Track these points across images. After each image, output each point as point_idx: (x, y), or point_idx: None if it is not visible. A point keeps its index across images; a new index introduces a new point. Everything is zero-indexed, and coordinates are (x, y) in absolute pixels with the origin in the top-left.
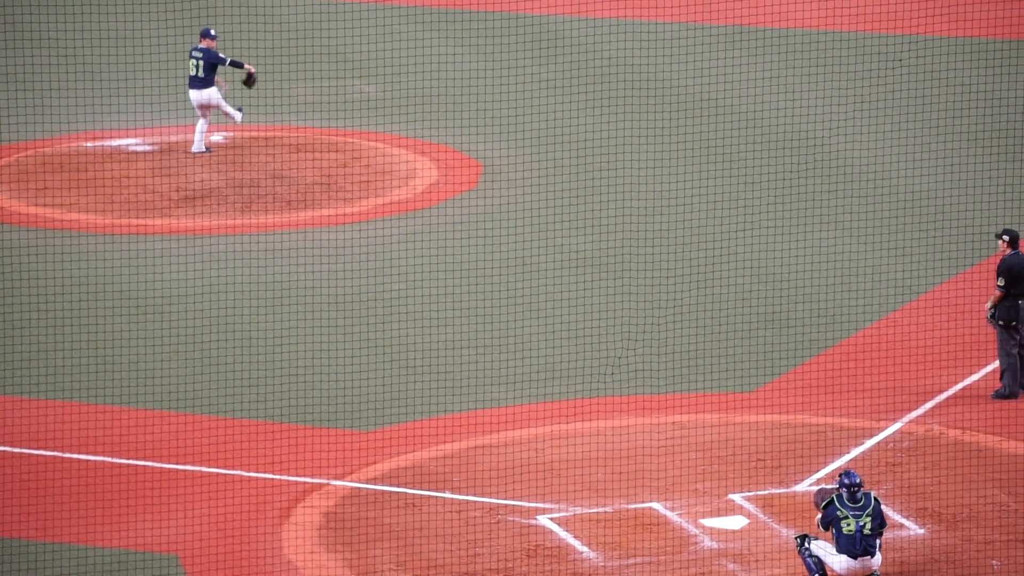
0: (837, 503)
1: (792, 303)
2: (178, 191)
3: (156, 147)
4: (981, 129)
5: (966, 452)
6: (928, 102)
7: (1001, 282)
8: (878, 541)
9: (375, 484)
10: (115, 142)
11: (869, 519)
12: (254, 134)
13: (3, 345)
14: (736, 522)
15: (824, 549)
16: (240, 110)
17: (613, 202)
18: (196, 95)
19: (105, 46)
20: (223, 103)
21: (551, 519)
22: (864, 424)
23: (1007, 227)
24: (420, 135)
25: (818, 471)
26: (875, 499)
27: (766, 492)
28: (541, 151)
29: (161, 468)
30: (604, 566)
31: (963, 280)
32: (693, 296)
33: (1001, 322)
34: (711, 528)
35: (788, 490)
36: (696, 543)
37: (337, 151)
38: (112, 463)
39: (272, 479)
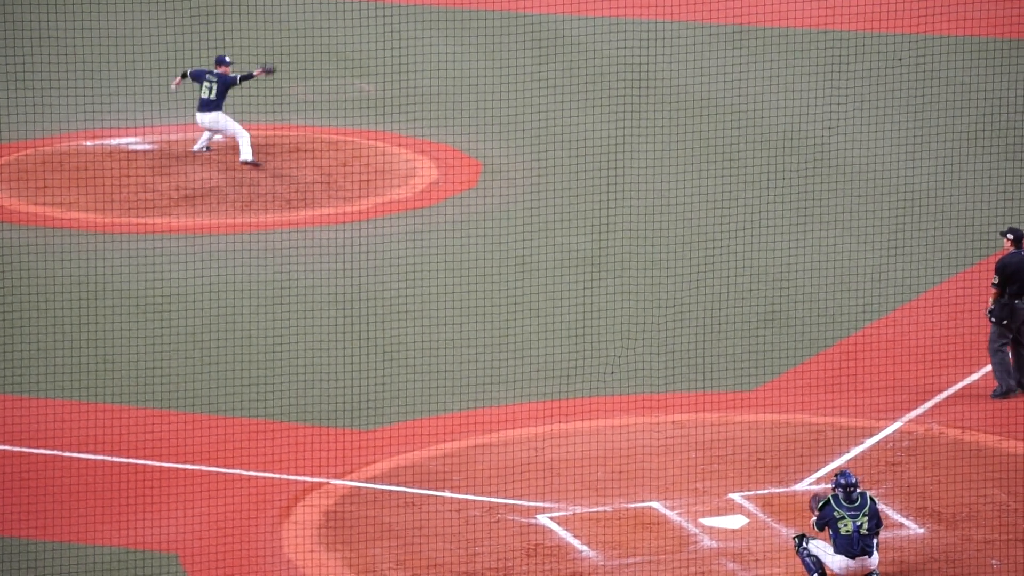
0: (833, 504)
1: (792, 302)
2: (178, 190)
3: (156, 146)
4: (981, 128)
5: (966, 451)
6: (927, 101)
7: (995, 280)
8: (875, 541)
9: (375, 483)
10: (115, 141)
11: (866, 519)
12: (254, 133)
13: (3, 344)
14: (736, 521)
15: (822, 549)
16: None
17: (613, 201)
18: (206, 117)
19: (105, 45)
20: (230, 124)
21: (551, 518)
22: (864, 423)
23: (1012, 225)
24: (420, 134)
25: (818, 470)
26: (871, 499)
27: (766, 491)
28: (541, 150)
29: (161, 467)
30: (604, 565)
31: (963, 279)
32: (692, 295)
33: (994, 319)
34: (711, 527)
35: (788, 489)
36: (696, 542)
37: (337, 150)
38: (112, 462)
39: (272, 478)
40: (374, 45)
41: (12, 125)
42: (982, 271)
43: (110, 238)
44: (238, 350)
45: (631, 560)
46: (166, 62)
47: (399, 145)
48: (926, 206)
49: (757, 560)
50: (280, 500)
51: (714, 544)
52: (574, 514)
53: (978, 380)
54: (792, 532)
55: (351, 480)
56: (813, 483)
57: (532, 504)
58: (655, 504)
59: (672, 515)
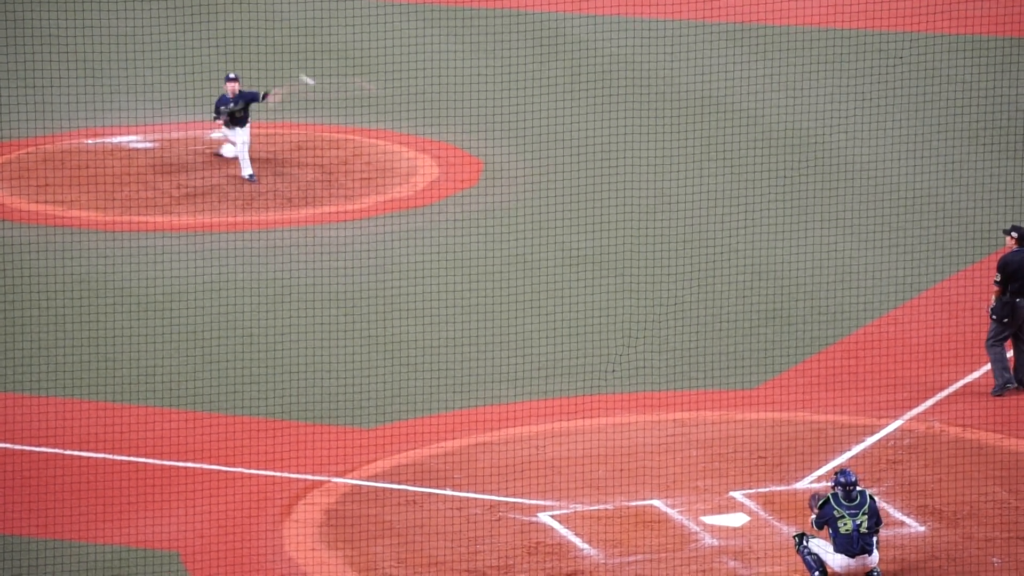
0: (833, 502)
1: (793, 300)
2: (179, 188)
3: (157, 144)
4: (982, 126)
5: (967, 449)
6: (929, 99)
7: (997, 277)
8: (875, 539)
9: (376, 481)
10: (116, 139)
11: (866, 517)
12: (255, 132)
13: (4, 342)
14: (737, 519)
15: (822, 547)
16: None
17: (614, 199)
18: (229, 132)
19: (106, 43)
20: (245, 150)
21: (552, 516)
22: (865, 421)
23: (1016, 223)
24: (421, 132)
25: (819, 468)
26: (871, 497)
27: (767, 489)
28: (542, 148)
29: (162, 465)
30: (605, 563)
31: (964, 277)
32: (694, 293)
33: (995, 317)
34: (712, 525)
35: (789, 487)
36: (697, 540)
37: (338, 148)
38: (113, 460)
39: (273, 476)
40: (376, 43)
41: (13, 123)
42: (983, 269)
43: (111, 236)
44: (239, 348)
45: (632, 558)
46: (167, 60)
47: (400, 143)
48: (927, 204)
49: (758, 558)
50: (281, 498)
51: (715, 542)
52: (575, 512)
53: (979, 378)
54: (793, 530)
55: (352, 478)
56: (814, 481)
57: (533, 502)
58: (656, 502)
59: (673, 513)
